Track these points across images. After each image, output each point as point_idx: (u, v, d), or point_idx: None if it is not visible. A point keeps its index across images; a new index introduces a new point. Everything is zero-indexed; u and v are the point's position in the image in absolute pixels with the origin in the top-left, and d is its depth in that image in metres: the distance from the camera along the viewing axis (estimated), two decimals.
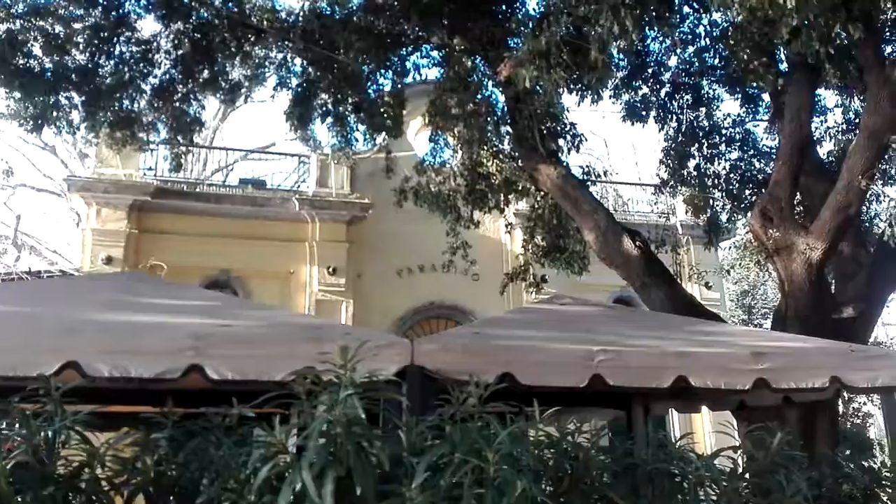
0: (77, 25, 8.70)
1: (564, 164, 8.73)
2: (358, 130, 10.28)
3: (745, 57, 8.08)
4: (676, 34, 8.76)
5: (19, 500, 2.57)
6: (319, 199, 15.12)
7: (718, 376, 4.36)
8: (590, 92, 7.47)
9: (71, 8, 8.53)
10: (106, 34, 8.71)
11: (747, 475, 3.37)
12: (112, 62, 8.97)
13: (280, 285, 14.76)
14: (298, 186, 15.90)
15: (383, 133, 10.14)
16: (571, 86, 7.33)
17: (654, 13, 6.13)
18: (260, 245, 14.49)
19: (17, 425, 2.74)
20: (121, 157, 13.32)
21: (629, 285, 8.66)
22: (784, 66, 8.20)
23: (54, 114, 8.86)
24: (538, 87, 6.98)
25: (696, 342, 4.94)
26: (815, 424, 6.94)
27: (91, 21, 8.69)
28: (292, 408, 2.76)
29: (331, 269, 14.69)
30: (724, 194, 10.40)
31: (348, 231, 15.29)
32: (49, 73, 8.56)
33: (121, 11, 8.79)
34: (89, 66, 8.76)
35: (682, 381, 4.25)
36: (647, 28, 7.00)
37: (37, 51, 8.56)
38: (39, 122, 8.82)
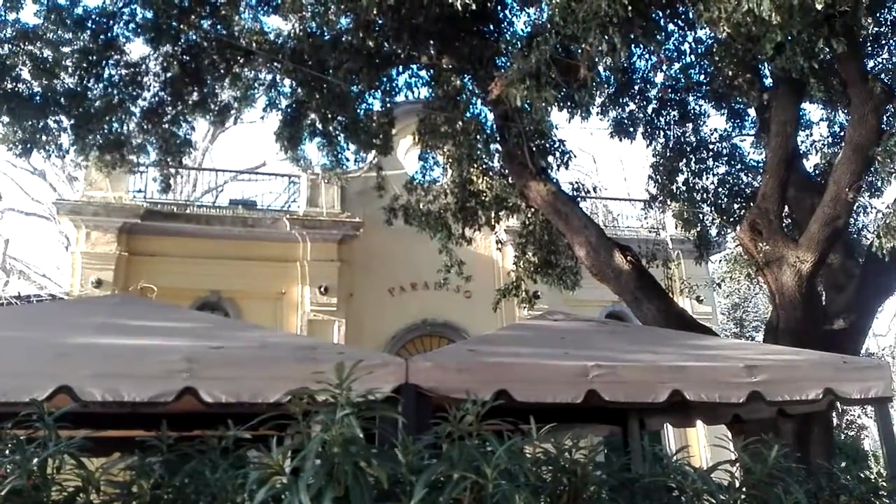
0: (66, 49, 8.70)
1: (554, 180, 8.78)
2: (348, 150, 10.30)
3: (731, 73, 8.20)
4: (662, 51, 8.86)
5: None
6: (310, 219, 15.10)
7: (713, 390, 4.38)
8: (579, 109, 7.53)
9: (59, 32, 8.52)
10: (95, 57, 8.71)
11: (745, 488, 3.37)
12: (101, 85, 8.97)
13: (272, 306, 14.69)
14: (289, 206, 15.87)
15: (373, 152, 10.16)
16: (560, 103, 7.39)
17: (640, 31, 6.21)
18: (251, 266, 14.43)
19: (10, 451, 2.71)
20: (110, 179, 13.30)
21: (621, 300, 8.69)
22: (768, 82, 8.31)
23: (43, 137, 8.84)
24: (527, 105, 7.04)
25: (690, 356, 4.96)
26: (810, 436, 6.96)
27: (79, 45, 8.69)
28: (288, 429, 2.73)
29: (322, 289, 14.62)
30: (712, 208, 10.47)
31: (339, 250, 15.24)
32: (38, 97, 8.54)
33: (109, 35, 8.79)
34: (78, 89, 8.75)
35: (676, 396, 4.26)
36: (633, 45, 7.08)
37: (25, 75, 8.54)
38: (28, 146, 8.79)
